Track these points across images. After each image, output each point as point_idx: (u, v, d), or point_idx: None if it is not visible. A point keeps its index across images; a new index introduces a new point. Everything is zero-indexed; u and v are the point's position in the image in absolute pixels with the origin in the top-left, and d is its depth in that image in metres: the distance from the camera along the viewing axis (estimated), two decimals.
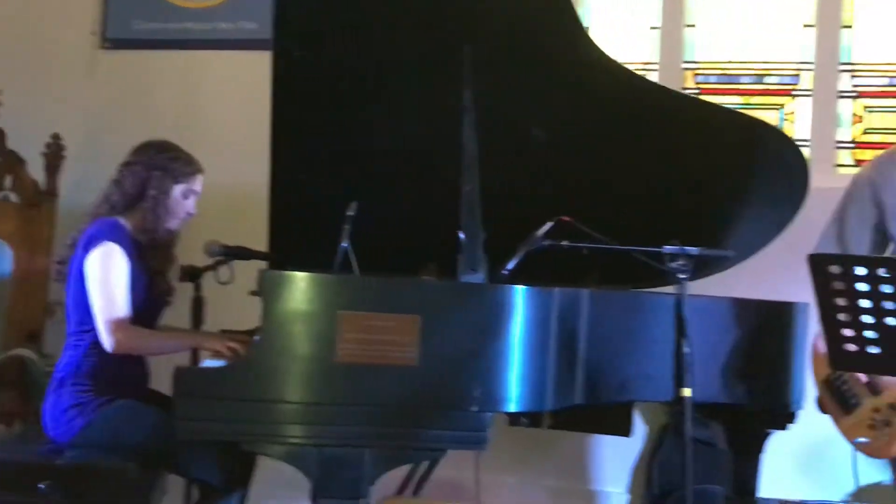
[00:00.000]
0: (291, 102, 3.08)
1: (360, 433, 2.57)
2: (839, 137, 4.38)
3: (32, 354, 4.16)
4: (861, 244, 2.96)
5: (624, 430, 3.66)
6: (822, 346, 2.89)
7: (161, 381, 3.00)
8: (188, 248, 3.36)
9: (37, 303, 4.33)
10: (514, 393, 2.61)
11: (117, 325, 2.95)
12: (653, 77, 4.46)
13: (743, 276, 3.43)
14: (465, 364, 2.58)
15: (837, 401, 2.93)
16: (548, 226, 2.88)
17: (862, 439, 2.83)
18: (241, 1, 4.69)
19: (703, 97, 4.43)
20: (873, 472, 3.42)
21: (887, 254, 2.94)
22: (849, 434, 2.89)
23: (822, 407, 3.00)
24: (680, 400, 2.84)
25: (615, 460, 4.30)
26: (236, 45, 4.65)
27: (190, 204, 3.18)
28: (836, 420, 2.94)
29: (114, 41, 4.82)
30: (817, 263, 2.22)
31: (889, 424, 2.79)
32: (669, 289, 2.94)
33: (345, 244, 2.84)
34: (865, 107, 4.39)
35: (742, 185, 3.37)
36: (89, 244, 3.01)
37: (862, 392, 2.87)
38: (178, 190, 3.14)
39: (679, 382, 2.85)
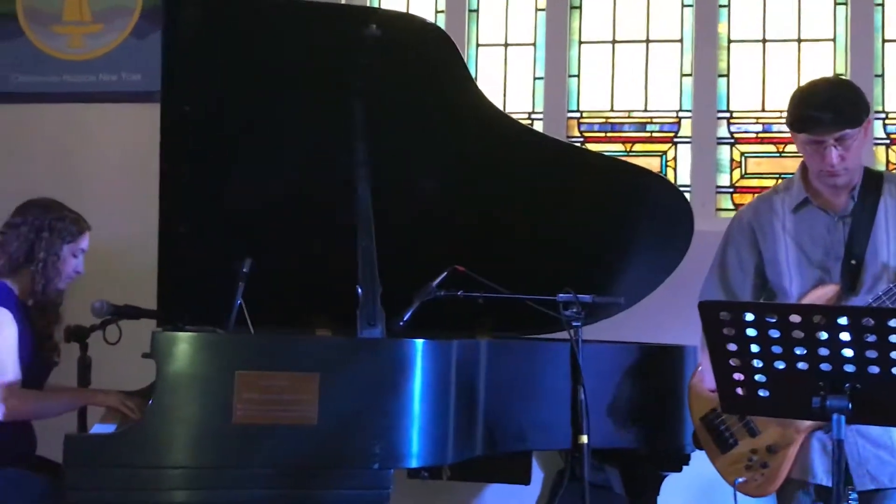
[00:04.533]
0: (181, 157, 3.02)
1: (258, 496, 2.52)
2: (719, 183, 4.53)
3: None
4: (744, 289, 2.94)
5: (523, 478, 3.67)
6: (700, 384, 2.99)
7: (48, 446, 2.90)
8: (72, 307, 3.26)
9: None
10: (415, 448, 2.59)
11: (9, 392, 2.87)
12: (537, 126, 4.54)
13: (629, 319, 3.48)
14: (366, 421, 2.56)
15: (714, 439, 2.93)
16: (442, 276, 2.88)
17: (741, 479, 2.87)
18: (123, 52, 4.61)
19: (587, 146, 4.54)
20: None
21: (764, 296, 2.96)
22: (725, 472, 2.90)
23: (698, 443, 3.00)
24: (577, 446, 2.86)
25: None
26: (120, 97, 4.57)
27: (78, 263, 3.12)
28: (712, 458, 2.95)
29: None
30: (707, 310, 2.27)
31: (766, 466, 2.81)
32: (561, 334, 2.96)
33: (238, 301, 2.80)
34: (742, 153, 4.55)
35: (629, 232, 3.44)
36: None
37: (739, 432, 2.88)
38: (66, 250, 3.07)
39: (576, 429, 2.86)
